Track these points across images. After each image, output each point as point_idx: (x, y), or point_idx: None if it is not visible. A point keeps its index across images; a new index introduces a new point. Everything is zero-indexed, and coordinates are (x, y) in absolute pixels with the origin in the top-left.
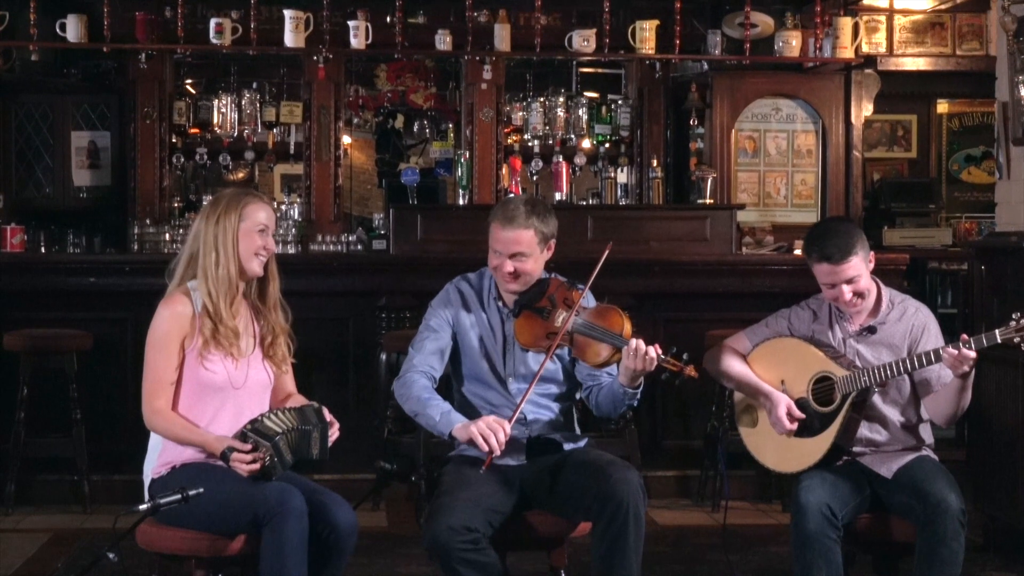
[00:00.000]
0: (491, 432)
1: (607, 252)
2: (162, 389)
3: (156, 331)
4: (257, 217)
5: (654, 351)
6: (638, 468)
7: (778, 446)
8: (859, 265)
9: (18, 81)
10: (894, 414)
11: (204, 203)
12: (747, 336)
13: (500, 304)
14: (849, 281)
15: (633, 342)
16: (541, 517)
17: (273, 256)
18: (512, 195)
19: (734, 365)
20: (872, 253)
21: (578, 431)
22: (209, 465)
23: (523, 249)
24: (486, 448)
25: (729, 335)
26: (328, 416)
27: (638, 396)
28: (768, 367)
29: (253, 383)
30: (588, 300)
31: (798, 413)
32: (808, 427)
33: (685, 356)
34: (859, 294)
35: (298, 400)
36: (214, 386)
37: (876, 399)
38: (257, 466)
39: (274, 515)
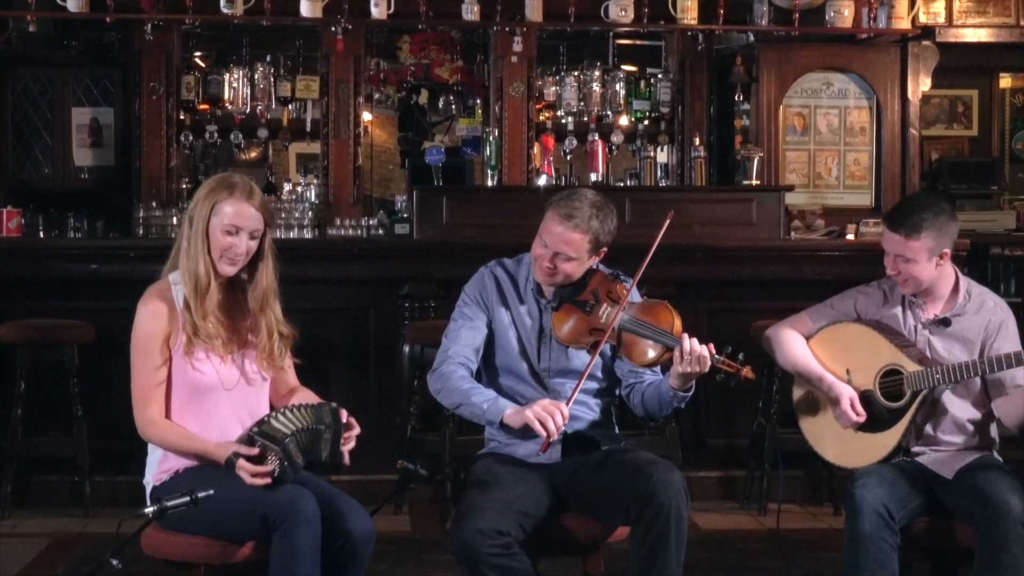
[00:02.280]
0: (548, 415)
1: (667, 223)
2: (152, 396)
3: (137, 334)
4: (230, 215)
5: (707, 351)
6: (680, 468)
7: (840, 439)
8: (921, 251)
9: (15, 54)
10: (962, 413)
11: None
12: (810, 317)
13: (538, 295)
14: (905, 260)
15: (686, 342)
16: (576, 520)
17: (271, 250)
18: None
19: (796, 348)
20: (947, 251)
21: (616, 429)
22: (213, 468)
23: (571, 253)
24: (544, 433)
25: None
26: (345, 418)
27: (687, 399)
28: (832, 355)
29: (245, 382)
30: (632, 294)
31: (861, 409)
32: (874, 422)
33: (741, 356)
34: (907, 279)
35: (306, 395)
36: (204, 387)
37: (944, 395)
38: (267, 479)
39: (284, 520)
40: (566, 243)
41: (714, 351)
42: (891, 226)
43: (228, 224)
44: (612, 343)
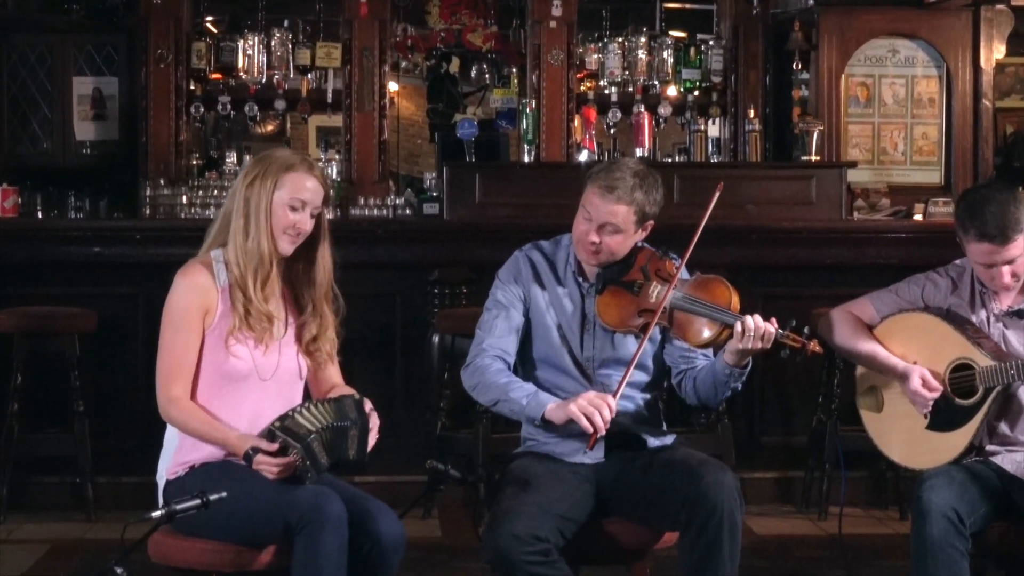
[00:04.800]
0: (594, 408)
1: (716, 196)
2: (180, 374)
3: (173, 306)
4: (294, 189)
5: (772, 327)
6: (733, 469)
7: (908, 437)
8: (1018, 248)
9: (11, 18)
10: None
11: (247, 161)
12: (872, 303)
13: (580, 278)
14: (1010, 262)
15: (748, 319)
16: (620, 525)
17: (328, 232)
18: (620, 157)
19: (858, 335)
20: None
21: (664, 426)
22: (233, 464)
23: (617, 223)
24: (590, 428)
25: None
26: (368, 408)
27: (744, 378)
28: (897, 346)
29: (283, 373)
30: (683, 272)
31: (935, 382)
32: (943, 420)
33: (806, 330)
34: (1017, 275)
35: (342, 392)
36: (237, 375)
37: (1021, 391)
38: (286, 471)
39: (308, 523)
40: (611, 215)
41: (777, 326)
42: (981, 237)
43: (293, 198)
44: (664, 324)
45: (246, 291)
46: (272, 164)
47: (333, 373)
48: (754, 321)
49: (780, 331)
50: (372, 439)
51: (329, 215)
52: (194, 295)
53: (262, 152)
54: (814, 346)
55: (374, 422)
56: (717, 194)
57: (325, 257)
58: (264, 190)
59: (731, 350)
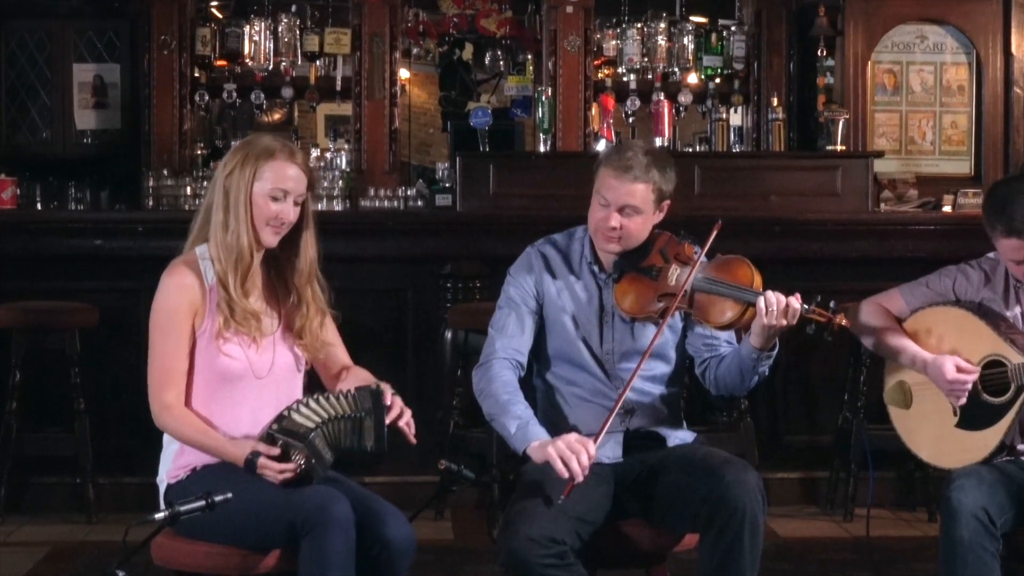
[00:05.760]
0: (572, 454)
1: (714, 235)
2: (172, 380)
3: (160, 309)
4: (275, 179)
5: (796, 302)
6: (756, 468)
7: (937, 435)
8: None
9: (9, 3)
10: None
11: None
12: (903, 295)
13: (596, 268)
14: None
15: (770, 293)
16: (639, 528)
17: (312, 219)
18: (626, 139)
19: (887, 328)
20: None
21: (685, 424)
22: (235, 466)
23: (636, 204)
24: (565, 473)
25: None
26: (389, 398)
27: (772, 361)
28: (926, 340)
29: (279, 369)
30: (703, 256)
31: (968, 365)
32: (974, 418)
33: (832, 304)
34: None
35: (359, 374)
36: (232, 375)
37: None
38: (291, 475)
39: (315, 525)
40: (629, 195)
41: (801, 301)
42: (1009, 233)
43: (274, 188)
44: (684, 308)
45: (227, 288)
46: (251, 153)
47: (339, 354)
48: (776, 296)
49: (805, 306)
50: (409, 428)
51: (338, 207)
52: (181, 296)
53: (241, 139)
54: (840, 320)
55: (396, 410)
56: (715, 232)
57: (308, 245)
58: (243, 181)
59: (755, 330)
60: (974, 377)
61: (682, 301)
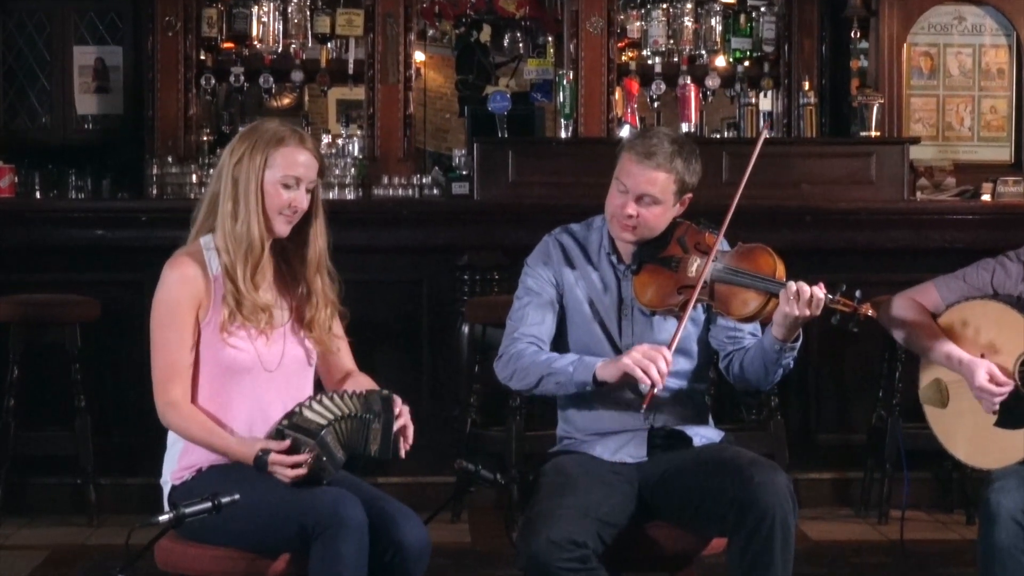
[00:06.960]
0: (649, 361)
1: (761, 142)
2: (177, 375)
3: (162, 302)
4: (286, 165)
5: (820, 291)
6: (786, 469)
7: (974, 435)
8: None
9: None
10: None
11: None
12: (938, 289)
13: (615, 259)
14: None
15: (792, 283)
16: (664, 530)
17: (320, 207)
18: (652, 125)
19: (921, 324)
20: None
21: (711, 423)
22: (243, 466)
23: (656, 193)
24: (647, 381)
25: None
26: (398, 407)
27: (795, 353)
28: (964, 336)
29: (289, 362)
30: (723, 244)
31: (1003, 377)
32: (1014, 417)
33: (858, 294)
34: None
35: (361, 381)
36: (240, 368)
37: None
38: (303, 470)
39: (326, 528)
40: (649, 184)
41: (826, 291)
42: None
43: (286, 176)
44: (705, 300)
45: (235, 280)
46: (260, 139)
47: (344, 359)
48: (799, 285)
49: (830, 296)
50: (405, 442)
51: (350, 195)
52: (184, 288)
53: (248, 126)
54: (866, 310)
55: (403, 421)
56: (762, 139)
57: (318, 234)
58: (254, 169)
59: (778, 321)
60: (1006, 391)
61: (702, 293)
